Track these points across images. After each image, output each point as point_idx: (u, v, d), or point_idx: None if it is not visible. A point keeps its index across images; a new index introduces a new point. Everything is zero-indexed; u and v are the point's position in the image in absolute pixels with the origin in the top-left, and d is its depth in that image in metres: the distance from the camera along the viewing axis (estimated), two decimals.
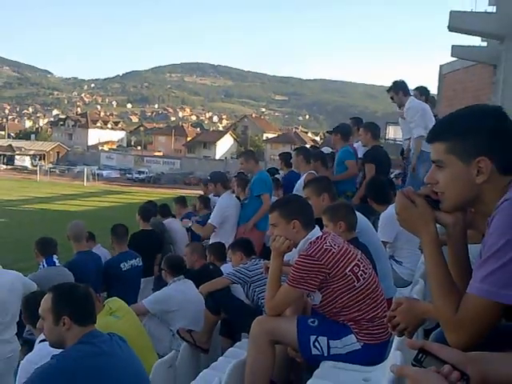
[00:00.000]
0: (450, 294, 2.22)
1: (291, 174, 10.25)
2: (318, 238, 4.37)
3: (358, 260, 4.37)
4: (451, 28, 19.22)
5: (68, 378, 3.33)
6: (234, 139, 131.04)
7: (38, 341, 4.94)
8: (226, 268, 7.45)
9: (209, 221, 9.06)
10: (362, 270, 4.34)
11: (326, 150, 12.23)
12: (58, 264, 7.64)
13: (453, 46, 22.53)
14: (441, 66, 26.53)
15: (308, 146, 23.04)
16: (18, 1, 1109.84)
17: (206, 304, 6.23)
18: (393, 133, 29.39)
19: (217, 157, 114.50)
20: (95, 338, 3.51)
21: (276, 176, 11.04)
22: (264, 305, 4.73)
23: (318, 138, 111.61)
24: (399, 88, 9.25)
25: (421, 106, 9.23)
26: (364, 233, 5.63)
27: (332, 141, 10.59)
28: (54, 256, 7.64)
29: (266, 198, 8.95)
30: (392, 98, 9.33)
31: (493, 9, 22.72)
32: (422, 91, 10.21)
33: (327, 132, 11.08)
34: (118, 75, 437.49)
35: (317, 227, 4.55)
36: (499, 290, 2.02)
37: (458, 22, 19.40)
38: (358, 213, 5.74)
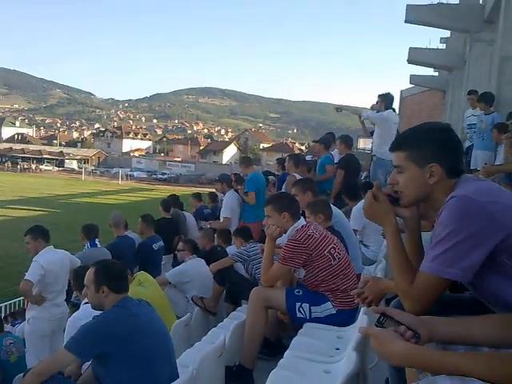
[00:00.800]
0: (407, 271, 2.24)
1: (284, 175, 10.23)
2: (303, 226, 4.39)
3: (334, 244, 4.39)
4: (410, 61, 19.26)
5: (106, 333, 3.34)
6: (237, 148, 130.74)
7: (82, 303, 4.98)
8: (230, 249, 7.46)
9: (222, 215, 9.11)
10: (337, 252, 4.36)
11: (310, 157, 12.25)
12: (99, 246, 7.67)
13: (411, 76, 22.57)
14: (401, 91, 26.58)
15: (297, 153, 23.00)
16: (66, 36, 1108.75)
17: (214, 278, 6.24)
18: (363, 144, 29.41)
19: (223, 162, 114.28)
20: (127, 302, 3.52)
21: (269, 177, 11.03)
22: (260, 278, 4.75)
23: (303, 148, 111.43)
24: (386, 100, 9.27)
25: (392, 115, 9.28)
26: (339, 222, 5.64)
27: (316, 149, 10.58)
28: (96, 239, 7.67)
29: (251, 195, 9.00)
30: (376, 102, 9.34)
31: (443, 46, 22.79)
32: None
33: (313, 141, 11.09)
34: (146, 97, 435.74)
35: (302, 218, 4.57)
36: (444, 268, 2.05)
37: (416, 56, 19.44)
38: (333, 207, 5.77)
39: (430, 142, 2.27)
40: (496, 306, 2.12)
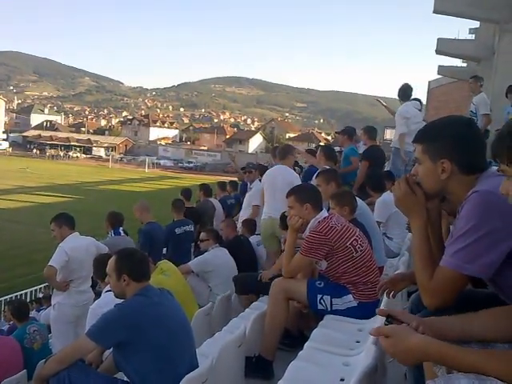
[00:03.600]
0: (429, 266, 2.22)
1: (312, 169, 10.11)
2: (325, 217, 4.37)
3: (357, 236, 4.36)
4: (438, 51, 19.00)
5: (126, 322, 3.36)
6: (263, 137, 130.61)
7: (104, 290, 5.01)
8: (253, 239, 7.48)
9: (253, 203, 8.92)
10: (360, 244, 4.33)
11: (338, 148, 12.14)
12: (122, 234, 7.72)
13: (439, 66, 22.27)
14: (429, 82, 26.26)
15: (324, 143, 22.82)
16: (96, 26, 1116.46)
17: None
18: (389, 135, 29.12)
19: (249, 151, 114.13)
20: (148, 291, 3.53)
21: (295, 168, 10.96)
22: None
23: (329, 138, 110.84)
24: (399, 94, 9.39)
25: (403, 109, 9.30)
26: (362, 214, 5.59)
27: (340, 140, 10.49)
28: (120, 228, 7.72)
29: None
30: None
31: (472, 36, 22.42)
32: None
33: (336, 132, 10.98)
34: (174, 85, 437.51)
35: (324, 209, 4.55)
36: (464, 264, 2.03)
37: (444, 47, 19.17)
38: (358, 198, 5.72)
39: (444, 137, 2.24)
40: None
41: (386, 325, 1.87)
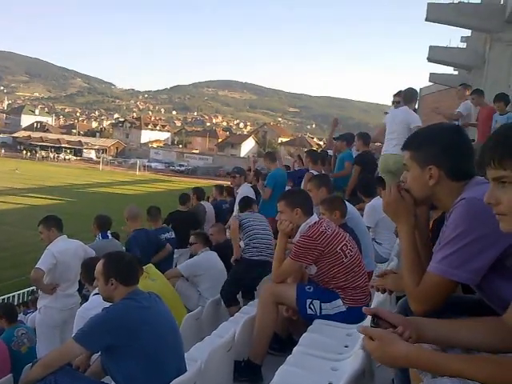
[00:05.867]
0: (417, 271, 2.23)
1: (301, 171, 10.16)
2: (315, 222, 4.39)
3: (346, 241, 4.39)
4: (430, 59, 19.16)
5: (114, 326, 3.34)
6: (256, 142, 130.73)
7: (92, 294, 4.99)
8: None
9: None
10: (349, 249, 4.36)
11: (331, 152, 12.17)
12: (110, 238, 7.67)
13: (430, 74, 22.43)
14: (420, 89, 26.38)
15: (316, 149, 22.81)
16: (87, 27, 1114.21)
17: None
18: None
19: (241, 155, 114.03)
20: (137, 295, 3.52)
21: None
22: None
23: (321, 143, 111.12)
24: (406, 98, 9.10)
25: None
26: (352, 219, 5.63)
27: (338, 145, 10.47)
28: (108, 232, 7.66)
29: (267, 190, 9.05)
30: (398, 102, 9.26)
31: (464, 45, 22.58)
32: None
33: (334, 139, 10.93)
34: (166, 88, 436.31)
35: (315, 214, 4.57)
36: (452, 269, 2.05)
37: (436, 54, 19.34)
38: (348, 203, 5.75)
39: (432, 144, 2.27)
40: (503, 310, 2.09)
41: (372, 325, 1.87)
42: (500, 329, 1.89)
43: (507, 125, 1.79)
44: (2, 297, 15.13)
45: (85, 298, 6.03)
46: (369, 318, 3.39)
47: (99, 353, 3.63)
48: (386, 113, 10.05)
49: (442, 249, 2.10)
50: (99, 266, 3.65)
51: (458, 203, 2.10)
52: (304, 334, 3.98)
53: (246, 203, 7.46)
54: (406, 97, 8.76)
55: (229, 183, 12.90)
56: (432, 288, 2.11)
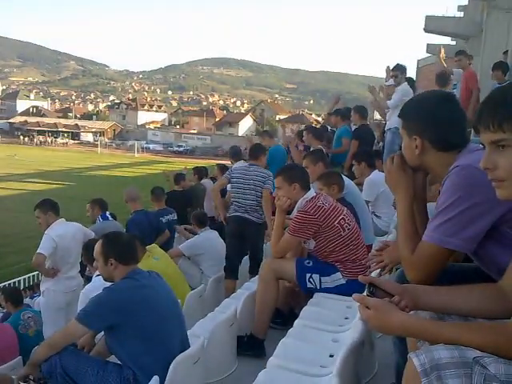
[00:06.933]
0: (412, 239, 2.22)
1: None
2: (312, 197, 4.42)
3: (344, 215, 4.42)
4: (426, 29, 18.99)
5: (115, 305, 3.39)
6: (253, 120, 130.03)
7: (95, 274, 5.05)
8: None
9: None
10: (347, 223, 4.39)
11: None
12: (110, 218, 7.72)
13: (427, 44, 22.26)
14: (418, 61, 26.22)
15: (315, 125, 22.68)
16: (79, 8, 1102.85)
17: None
18: (378, 115, 29.02)
19: (239, 134, 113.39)
20: (137, 274, 3.55)
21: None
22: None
23: (320, 119, 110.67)
24: (403, 71, 9.05)
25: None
26: (350, 193, 5.65)
27: (333, 120, 10.44)
28: (107, 212, 7.72)
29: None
30: (396, 76, 8.93)
31: (461, 14, 22.39)
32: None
33: (329, 114, 10.90)
34: (161, 68, 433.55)
35: (312, 189, 4.60)
36: (447, 237, 2.04)
37: (432, 25, 19.17)
38: (346, 178, 5.78)
39: (415, 114, 2.27)
40: (499, 276, 2.09)
41: (368, 294, 1.86)
42: (496, 295, 1.88)
43: (504, 86, 1.75)
44: (8, 282, 15.20)
45: (88, 280, 6.08)
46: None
47: (103, 332, 3.69)
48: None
49: (437, 217, 2.08)
50: (97, 246, 3.68)
51: (451, 171, 2.09)
52: (305, 308, 4.03)
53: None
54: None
55: (229, 162, 12.98)
56: (427, 256, 2.10)
